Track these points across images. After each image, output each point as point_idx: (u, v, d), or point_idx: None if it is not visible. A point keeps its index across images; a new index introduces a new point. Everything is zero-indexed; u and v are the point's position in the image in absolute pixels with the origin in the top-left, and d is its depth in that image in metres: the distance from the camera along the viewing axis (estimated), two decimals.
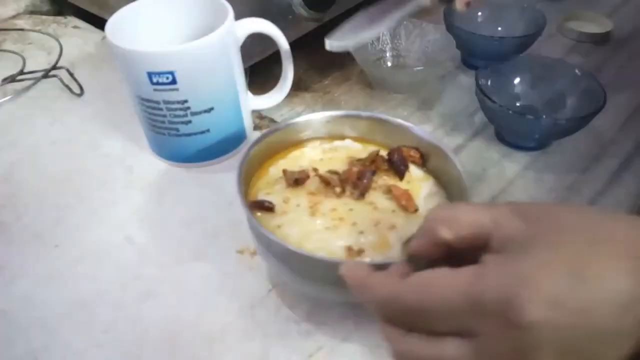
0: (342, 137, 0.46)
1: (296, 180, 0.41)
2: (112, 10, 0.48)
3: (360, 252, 0.36)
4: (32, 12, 0.79)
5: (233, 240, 0.45)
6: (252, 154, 0.41)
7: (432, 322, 0.24)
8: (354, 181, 0.40)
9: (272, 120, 0.57)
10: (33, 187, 0.51)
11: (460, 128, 0.56)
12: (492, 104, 0.49)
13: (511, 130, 0.53)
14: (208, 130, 0.49)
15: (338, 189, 0.40)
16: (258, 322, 0.39)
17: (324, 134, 0.46)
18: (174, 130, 0.48)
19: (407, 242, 0.29)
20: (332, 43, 0.49)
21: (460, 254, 0.26)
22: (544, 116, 0.52)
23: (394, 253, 0.36)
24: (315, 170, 0.42)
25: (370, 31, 0.48)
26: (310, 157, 0.44)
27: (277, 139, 0.44)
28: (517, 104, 0.56)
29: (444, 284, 0.24)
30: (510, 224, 0.24)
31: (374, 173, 0.41)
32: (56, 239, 0.46)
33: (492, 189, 0.49)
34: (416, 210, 0.39)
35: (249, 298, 0.41)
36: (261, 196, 0.41)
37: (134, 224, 0.47)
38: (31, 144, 0.56)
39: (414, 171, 0.43)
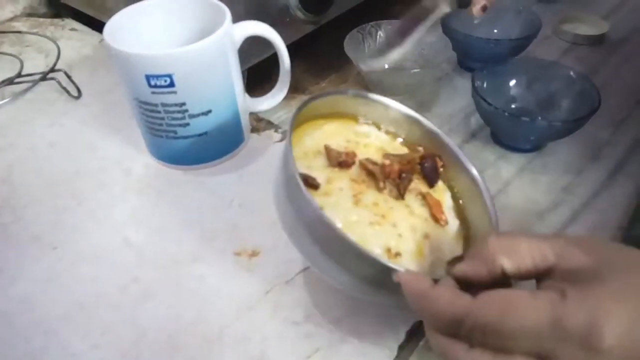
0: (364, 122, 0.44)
1: (341, 162, 0.38)
2: (110, 12, 0.48)
3: (397, 255, 0.34)
4: (30, 14, 0.79)
5: (231, 242, 0.45)
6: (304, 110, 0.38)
7: (508, 341, 0.25)
8: (395, 179, 0.38)
9: (270, 122, 0.58)
10: (31, 189, 0.51)
11: (456, 130, 0.56)
12: (488, 106, 0.50)
13: (507, 132, 0.53)
14: (206, 133, 0.49)
15: (382, 184, 0.38)
16: (256, 324, 0.39)
17: (354, 114, 0.44)
18: (172, 132, 0.48)
19: (452, 261, 0.30)
20: (365, 65, 0.49)
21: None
22: (540, 118, 0.52)
23: (427, 264, 0.35)
24: (354, 154, 0.40)
25: (400, 48, 0.48)
26: (344, 136, 0.42)
27: (319, 106, 0.41)
28: (513, 106, 0.56)
29: (528, 305, 0.24)
30: (573, 256, 0.26)
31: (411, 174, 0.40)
32: (54, 241, 0.46)
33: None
34: (446, 223, 0.38)
35: (247, 300, 0.41)
36: (301, 169, 0.37)
37: (131, 226, 0.47)
38: (29, 147, 0.56)
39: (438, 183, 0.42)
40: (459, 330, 0.26)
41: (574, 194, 0.49)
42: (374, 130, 0.44)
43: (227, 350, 0.38)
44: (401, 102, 0.60)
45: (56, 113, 0.60)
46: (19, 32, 0.74)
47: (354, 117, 0.44)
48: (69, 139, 0.57)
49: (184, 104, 0.46)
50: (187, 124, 0.48)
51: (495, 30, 0.67)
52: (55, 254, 0.45)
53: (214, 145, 0.51)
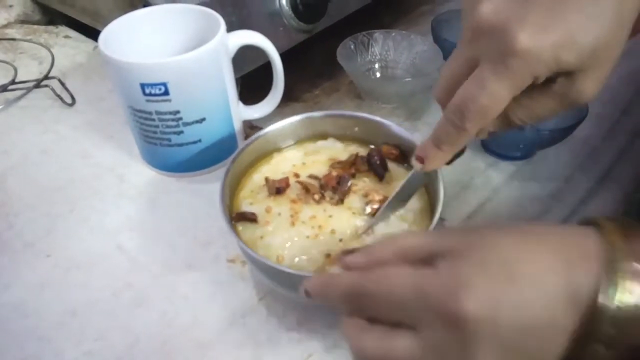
0: (325, 137, 0.48)
1: (277, 189, 0.42)
2: (104, 20, 0.49)
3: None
4: (24, 21, 0.79)
5: (224, 249, 0.45)
6: (233, 168, 0.43)
7: (385, 310, 0.27)
8: (334, 186, 0.42)
9: None
10: (24, 196, 0.51)
11: None
12: None
13: (496, 141, 0.54)
14: (199, 140, 0.50)
15: (317, 196, 0.41)
16: (249, 330, 0.40)
17: (307, 136, 0.48)
18: (166, 140, 0.49)
19: (345, 253, 0.31)
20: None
21: None
22: (528, 127, 0.53)
23: None
24: (296, 175, 0.44)
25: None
26: (292, 161, 0.46)
27: (261, 145, 0.46)
28: None
29: (399, 276, 0.27)
30: (450, 237, 0.28)
31: (353, 176, 0.43)
32: (48, 248, 0.46)
33: (479, 198, 0.50)
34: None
35: (240, 306, 0.41)
36: (245, 206, 0.42)
37: (125, 232, 0.47)
38: (22, 154, 0.56)
39: (394, 169, 0.44)
40: (353, 305, 0.28)
41: (563, 201, 0.50)
42: (329, 142, 0.47)
43: (221, 356, 0.38)
44: (393, 110, 0.61)
45: (50, 120, 0.60)
46: (13, 39, 0.74)
47: (304, 140, 0.48)
48: (63, 146, 0.57)
49: (178, 112, 0.47)
50: (181, 132, 0.48)
51: None
52: (49, 260, 0.45)
53: (208, 153, 0.51)
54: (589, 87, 0.30)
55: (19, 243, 0.47)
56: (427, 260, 0.27)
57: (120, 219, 0.49)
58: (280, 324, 0.40)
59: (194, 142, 0.49)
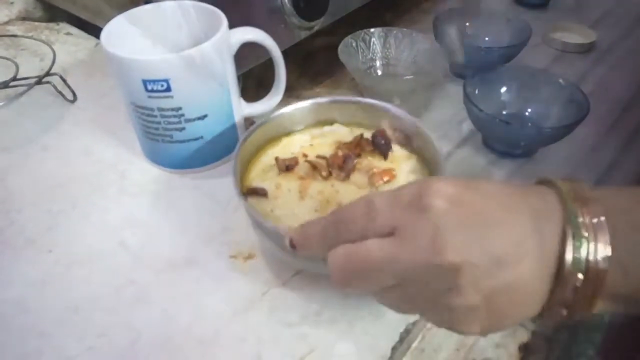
0: (331, 123, 0.49)
1: (287, 166, 0.44)
2: (106, 17, 0.49)
3: None
4: (25, 18, 0.79)
5: (226, 245, 0.45)
6: (244, 145, 0.44)
7: (365, 222, 0.29)
8: (340, 164, 0.44)
9: None
10: (26, 193, 0.51)
11: (448, 135, 0.57)
12: (480, 112, 0.51)
13: (498, 138, 0.54)
14: (201, 137, 0.50)
15: (324, 173, 0.43)
16: (251, 326, 0.40)
17: (313, 121, 0.49)
18: (168, 136, 0.49)
19: None
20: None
21: None
22: (530, 124, 0.53)
23: None
24: (305, 155, 0.45)
25: None
26: (300, 143, 0.48)
27: (269, 130, 0.47)
28: (504, 112, 0.57)
29: (374, 197, 0.29)
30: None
31: (358, 156, 0.45)
32: (50, 244, 0.46)
33: None
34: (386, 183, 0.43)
35: (243, 302, 0.41)
36: (255, 184, 0.44)
37: (127, 229, 0.48)
38: (24, 150, 0.56)
39: (398, 151, 0.46)
40: (333, 235, 0.30)
41: None
42: (335, 127, 0.49)
43: (223, 352, 0.38)
44: None
45: (51, 117, 0.60)
46: (14, 35, 0.74)
47: (311, 125, 0.49)
48: (65, 143, 0.57)
49: (180, 108, 0.47)
50: (183, 128, 0.48)
51: (487, 38, 0.68)
52: (51, 257, 0.45)
53: (210, 149, 0.51)
54: None
55: (20, 239, 0.47)
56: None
57: (122, 216, 0.49)
58: (283, 320, 0.40)
59: (196, 139, 0.50)
